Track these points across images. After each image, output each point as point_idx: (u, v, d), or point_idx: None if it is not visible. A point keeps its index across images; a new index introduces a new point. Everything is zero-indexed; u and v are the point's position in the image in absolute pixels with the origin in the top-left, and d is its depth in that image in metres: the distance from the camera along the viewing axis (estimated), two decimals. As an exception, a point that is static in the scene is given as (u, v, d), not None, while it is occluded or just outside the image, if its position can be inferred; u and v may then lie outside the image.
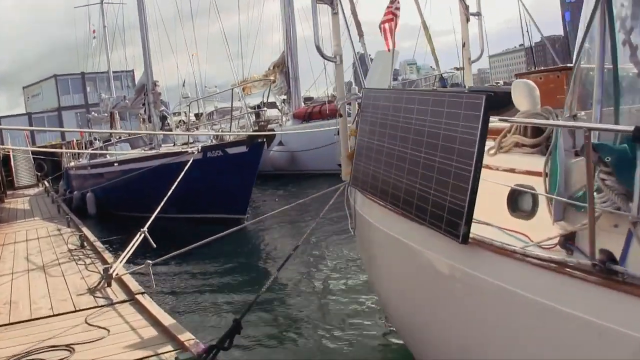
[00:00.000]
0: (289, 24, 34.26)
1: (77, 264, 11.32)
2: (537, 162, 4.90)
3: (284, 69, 33.71)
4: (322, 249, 13.39)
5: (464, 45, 10.68)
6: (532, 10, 27.32)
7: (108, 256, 11.54)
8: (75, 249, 12.76)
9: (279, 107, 35.96)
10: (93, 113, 37.52)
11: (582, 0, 4.27)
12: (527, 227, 4.97)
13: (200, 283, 11.94)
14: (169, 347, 6.27)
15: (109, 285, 9.23)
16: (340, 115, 7.69)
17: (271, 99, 34.39)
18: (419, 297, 5.32)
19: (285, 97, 34.81)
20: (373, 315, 8.96)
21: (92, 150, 25.22)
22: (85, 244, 13.10)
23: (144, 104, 25.00)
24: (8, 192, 31.06)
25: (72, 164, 28.05)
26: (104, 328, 7.12)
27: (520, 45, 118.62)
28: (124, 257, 9.99)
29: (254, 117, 18.28)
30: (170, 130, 26.98)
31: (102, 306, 8.27)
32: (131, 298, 8.51)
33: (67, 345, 6.57)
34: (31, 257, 12.49)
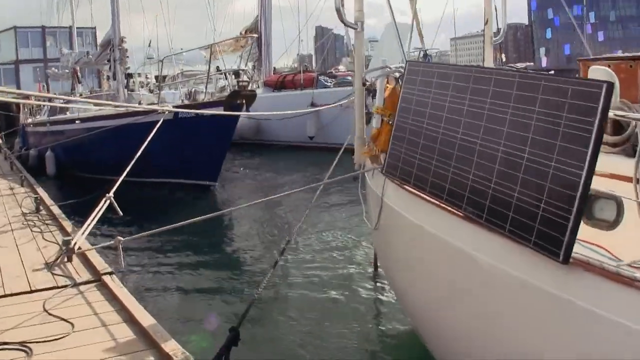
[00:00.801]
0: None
1: (31, 231, 9.70)
2: (620, 164, 4.51)
3: (257, 34, 32.05)
4: (315, 237, 11.92)
5: (486, 23, 9.37)
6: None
7: (67, 224, 9.91)
8: (30, 213, 11.13)
9: (249, 74, 34.30)
10: (53, 69, 35.39)
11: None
12: (607, 239, 4.12)
13: (176, 262, 10.45)
14: (151, 358, 4.81)
15: (70, 260, 7.70)
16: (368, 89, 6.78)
17: (242, 64, 32.88)
18: (482, 320, 4.14)
19: (255, 63, 33.18)
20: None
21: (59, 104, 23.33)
22: (41, 207, 11.43)
23: (109, 60, 23.15)
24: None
25: (30, 120, 26.10)
26: (66, 321, 5.61)
27: (482, 31, 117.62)
28: (87, 227, 8.45)
29: (232, 77, 16.84)
30: (133, 90, 25.40)
31: (62, 287, 6.75)
32: (97, 279, 7.00)
33: (21, 343, 5.07)
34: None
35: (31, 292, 6.67)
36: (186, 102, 17.00)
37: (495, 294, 3.89)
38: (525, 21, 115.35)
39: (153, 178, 15.74)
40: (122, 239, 7.27)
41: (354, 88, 7.41)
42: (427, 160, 4.65)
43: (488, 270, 3.85)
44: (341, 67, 43.03)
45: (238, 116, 15.45)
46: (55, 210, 11.12)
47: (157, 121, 14.61)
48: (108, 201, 9.23)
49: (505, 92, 3.88)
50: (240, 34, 33.57)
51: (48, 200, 12.07)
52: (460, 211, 4.15)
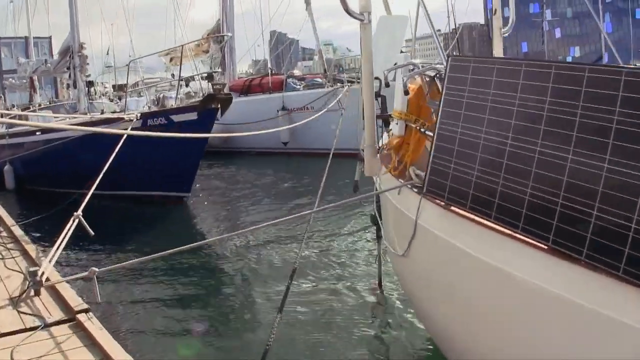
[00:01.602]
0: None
1: (-8, 259, 8.47)
2: None
3: (219, 39, 30.78)
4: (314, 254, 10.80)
5: (494, 13, 8.54)
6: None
7: (32, 248, 8.60)
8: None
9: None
10: (10, 79, 33.77)
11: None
12: None
13: (158, 290, 9.21)
14: None
15: (38, 294, 6.51)
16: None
17: (202, 71, 31.62)
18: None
19: (219, 69, 31.94)
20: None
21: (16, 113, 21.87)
22: (1, 228, 10.17)
23: (68, 68, 21.79)
24: None
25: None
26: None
27: (438, 31, 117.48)
28: (55, 253, 7.24)
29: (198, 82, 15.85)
30: (93, 99, 24.10)
31: (31, 329, 5.60)
32: (71, 317, 5.86)
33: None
34: None
35: (-6, 337, 5.52)
36: (154, 108, 15.76)
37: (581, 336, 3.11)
38: (480, 20, 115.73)
39: (122, 191, 14.53)
40: (96, 270, 6.06)
41: (362, 89, 6.48)
42: (491, 179, 3.73)
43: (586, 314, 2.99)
44: (296, 72, 41.97)
45: (212, 121, 14.28)
46: (17, 231, 9.80)
47: (124, 130, 13.53)
48: (76, 220, 8.02)
49: (608, 94, 2.98)
50: (202, 37, 32.32)
51: (8, 219, 10.72)
52: (544, 243, 3.28)
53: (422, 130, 5.19)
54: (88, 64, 22.35)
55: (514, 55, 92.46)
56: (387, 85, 6.28)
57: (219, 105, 14.03)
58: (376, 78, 8.40)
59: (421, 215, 4.62)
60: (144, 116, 14.30)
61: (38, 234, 10.44)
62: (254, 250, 10.52)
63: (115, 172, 11.48)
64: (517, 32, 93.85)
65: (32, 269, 6.63)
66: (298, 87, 25.46)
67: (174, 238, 12.09)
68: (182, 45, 18.91)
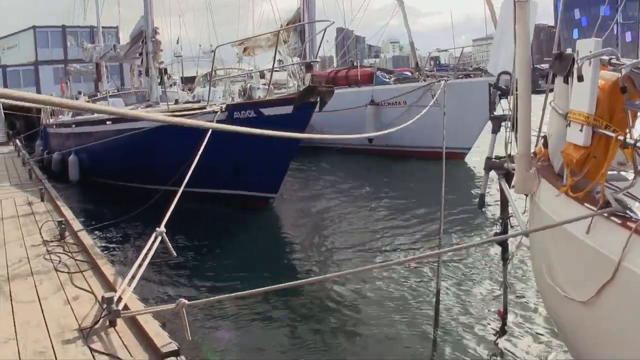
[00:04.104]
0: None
1: (56, 270, 7.46)
2: None
3: (299, 28, 29.74)
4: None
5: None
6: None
7: (104, 262, 7.60)
8: (53, 242, 8.92)
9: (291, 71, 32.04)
10: (75, 65, 33.57)
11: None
12: None
13: (254, 332, 7.60)
14: None
15: (113, 325, 5.45)
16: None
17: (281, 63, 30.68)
18: None
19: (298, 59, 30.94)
20: None
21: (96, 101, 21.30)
22: (66, 234, 9.20)
23: (140, 54, 21.07)
24: (-26, 149, 27.10)
25: (52, 120, 24.14)
26: None
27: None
28: (135, 275, 6.18)
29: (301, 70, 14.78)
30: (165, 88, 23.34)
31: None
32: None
33: None
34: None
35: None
36: (238, 100, 14.67)
37: None
38: (550, 22, 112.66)
39: (202, 188, 13.40)
40: (186, 302, 4.93)
41: (517, 83, 5.22)
42: None
43: None
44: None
45: (309, 117, 13.10)
46: (86, 239, 8.84)
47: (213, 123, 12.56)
48: (159, 238, 6.93)
49: None
50: (281, 26, 31.38)
51: (75, 224, 9.80)
52: None
53: (627, 140, 3.90)
54: (162, 50, 21.61)
55: None
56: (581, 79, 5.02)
57: (319, 99, 12.85)
58: (505, 73, 7.20)
59: (627, 254, 3.43)
60: (231, 108, 13.26)
61: (111, 244, 9.44)
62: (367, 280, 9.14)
63: (197, 168, 10.49)
64: (586, 36, 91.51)
65: (107, 294, 5.53)
66: (387, 80, 24.23)
67: (266, 253, 11.10)
68: (245, 39, 17.78)
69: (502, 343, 6.80)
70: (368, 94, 21.91)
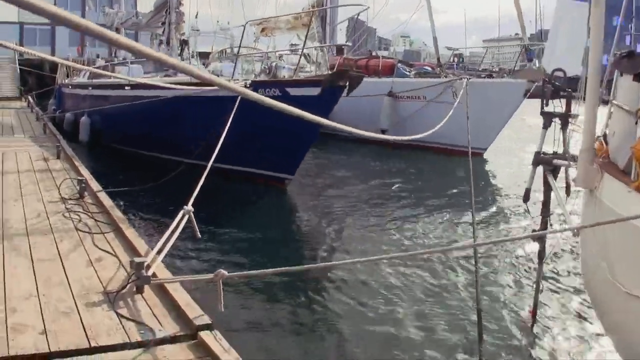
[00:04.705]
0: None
1: (76, 229, 7.26)
2: None
3: (322, 13, 29.37)
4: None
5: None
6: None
7: (127, 227, 7.35)
8: (71, 200, 8.71)
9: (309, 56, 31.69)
10: (96, 29, 33.23)
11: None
12: None
13: (286, 311, 7.41)
14: None
15: (140, 292, 5.23)
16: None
17: (298, 45, 30.26)
18: None
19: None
20: None
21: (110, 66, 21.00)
22: (85, 193, 8.99)
23: (163, 23, 20.79)
24: (-14, 101, 26.92)
25: (68, 80, 23.89)
26: None
27: (515, 34, 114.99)
28: (163, 247, 5.97)
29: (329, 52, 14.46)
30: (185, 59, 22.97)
31: (138, 345, 4.33)
32: (190, 334, 4.55)
33: None
34: (7, 207, 8.36)
35: (91, 350, 4.23)
36: (262, 78, 14.38)
37: None
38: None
39: (218, 164, 13.11)
40: (225, 273, 4.70)
41: (589, 76, 5.06)
42: None
43: None
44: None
45: (336, 101, 12.85)
46: (107, 201, 8.60)
47: (230, 97, 12.26)
48: (186, 216, 6.74)
49: None
50: (303, 9, 30.99)
51: (94, 184, 9.58)
52: None
53: None
54: (184, 21, 21.36)
55: None
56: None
57: (347, 84, 12.58)
58: (558, 70, 7.03)
59: None
60: (256, 84, 12.97)
61: (129, 210, 9.21)
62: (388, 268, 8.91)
63: (215, 142, 10.28)
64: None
65: (138, 259, 5.31)
66: (407, 73, 23.97)
67: (285, 235, 11.02)
68: (264, 20, 17.49)
69: (530, 343, 6.66)
70: (387, 85, 21.63)
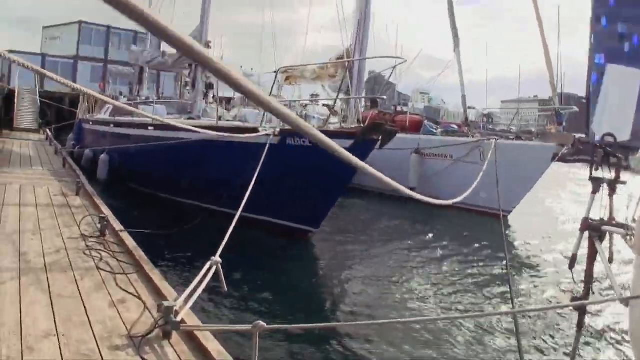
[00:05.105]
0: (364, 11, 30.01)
1: (98, 268, 7.05)
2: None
3: (349, 65, 29.42)
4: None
5: None
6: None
7: (150, 268, 7.13)
8: (92, 238, 8.54)
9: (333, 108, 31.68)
10: (117, 66, 33.59)
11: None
12: None
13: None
14: None
15: (168, 338, 5.01)
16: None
17: (323, 96, 30.30)
18: None
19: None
20: None
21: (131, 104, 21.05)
22: (107, 232, 8.82)
23: (190, 65, 20.87)
24: (5, 132, 27.03)
25: (89, 116, 23.99)
26: None
27: (534, 97, 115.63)
28: (191, 296, 5.76)
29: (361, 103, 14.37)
30: (210, 103, 22.95)
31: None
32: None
33: None
34: (25, 240, 8.20)
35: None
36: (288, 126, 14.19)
37: None
38: (580, 92, 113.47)
39: (233, 209, 12.83)
40: (264, 325, 4.49)
41: None
42: None
43: None
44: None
45: (367, 155, 12.63)
46: (129, 241, 8.42)
47: (260, 144, 12.19)
48: (214, 268, 6.57)
49: None
50: (330, 60, 31.05)
51: (116, 224, 9.40)
52: None
53: None
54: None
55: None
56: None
57: (381, 138, 12.39)
58: (609, 135, 6.89)
59: None
60: (285, 133, 12.83)
61: (150, 252, 9.00)
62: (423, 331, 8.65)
63: (241, 191, 10.12)
64: None
65: (167, 303, 5.11)
66: (434, 131, 23.95)
67: (313, 288, 10.84)
68: (289, 68, 17.45)
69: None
70: (414, 141, 21.54)
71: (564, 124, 19.99)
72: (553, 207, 24.35)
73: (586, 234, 6.32)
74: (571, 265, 6.89)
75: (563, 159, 20.97)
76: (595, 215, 6.10)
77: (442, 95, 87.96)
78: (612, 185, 6.41)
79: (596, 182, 6.46)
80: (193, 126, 13.66)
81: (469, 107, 32.14)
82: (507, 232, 18.09)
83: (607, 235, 6.21)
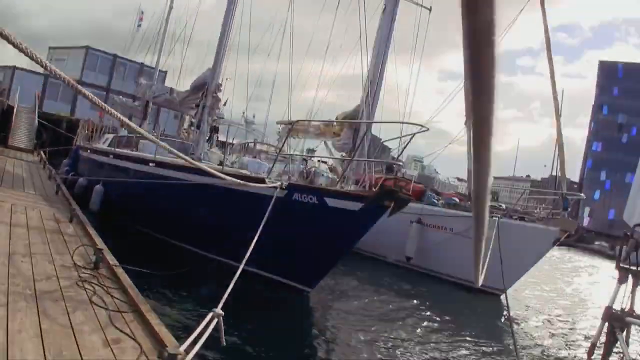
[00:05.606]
0: (376, 73, 30.14)
1: (92, 303, 6.77)
2: None
3: (355, 126, 29.41)
4: None
5: None
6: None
7: (147, 309, 6.81)
8: (85, 270, 8.27)
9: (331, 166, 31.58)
10: (121, 97, 33.56)
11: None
12: None
13: None
14: None
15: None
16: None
17: (323, 153, 30.08)
18: None
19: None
20: None
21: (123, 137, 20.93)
22: (101, 265, 8.56)
23: (197, 105, 20.71)
24: (-2, 148, 26.82)
25: (87, 143, 23.81)
26: None
27: (527, 176, 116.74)
28: (193, 343, 5.52)
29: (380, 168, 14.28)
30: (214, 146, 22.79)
31: None
32: None
33: None
34: (15, 261, 7.92)
35: None
36: (297, 180, 13.82)
37: None
38: (572, 177, 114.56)
39: (231, 260, 12.39)
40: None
41: None
42: None
43: None
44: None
45: (375, 221, 12.43)
46: (124, 278, 8.13)
47: (265, 196, 11.97)
48: (215, 320, 6.36)
49: None
50: (336, 118, 31.05)
51: (110, 257, 9.12)
52: None
53: None
54: (220, 109, 21.36)
55: (599, 220, 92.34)
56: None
57: (392, 204, 12.17)
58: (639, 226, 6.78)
59: None
60: (292, 188, 12.64)
61: (146, 293, 8.69)
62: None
63: (241, 242, 9.91)
64: (606, 199, 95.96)
65: (171, 350, 4.87)
66: (435, 202, 23.82)
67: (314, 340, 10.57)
68: (293, 122, 17.26)
69: None
70: (417, 211, 21.37)
71: (569, 209, 19.96)
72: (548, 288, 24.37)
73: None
74: (590, 354, 6.71)
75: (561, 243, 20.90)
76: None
77: (437, 163, 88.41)
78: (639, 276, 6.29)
79: (623, 272, 6.31)
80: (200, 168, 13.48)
81: (461, 180, 32.09)
82: (498, 308, 17.91)
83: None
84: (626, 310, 6.16)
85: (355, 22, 17.47)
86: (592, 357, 6.75)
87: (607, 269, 40.35)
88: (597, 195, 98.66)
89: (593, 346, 6.71)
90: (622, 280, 6.33)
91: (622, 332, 6.07)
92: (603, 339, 6.45)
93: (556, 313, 18.65)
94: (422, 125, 12.51)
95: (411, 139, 13.07)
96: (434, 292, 18.52)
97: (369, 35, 19.89)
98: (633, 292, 6.18)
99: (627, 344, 6.28)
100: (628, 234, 6.59)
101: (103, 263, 8.62)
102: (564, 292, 24.96)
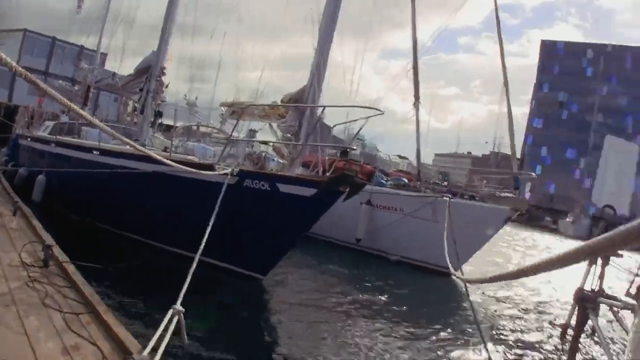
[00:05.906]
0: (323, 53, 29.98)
1: (45, 305, 6.53)
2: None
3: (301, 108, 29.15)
4: None
5: None
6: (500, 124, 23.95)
7: (105, 310, 6.60)
8: (34, 267, 8.00)
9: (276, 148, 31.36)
10: (61, 82, 32.62)
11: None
12: None
13: None
14: None
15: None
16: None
17: (268, 137, 29.74)
18: None
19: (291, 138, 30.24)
20: None
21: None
22: (50, 262, 8.29)
23: (141, 90, 20.19)
24: None
25: (27, 132, 23.08)
26: None
27: (468, 153, 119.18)
28: (157, 345, 5.38)
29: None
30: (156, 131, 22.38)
31: None
32: None
33: None
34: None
35: None
36: (246, 166, 13.51)
37: None
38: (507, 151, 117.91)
39: (189, 252, 11.91)
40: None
41: None
42: None
43: None
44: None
45: (329, 207, 12.32)
46: (77, 276, 7.88)
47: (215, 183, 11.77)
48: (176, 317, 6.20)
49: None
50: (282, 101, 30.73)
51: (60, 254, 8.82)
52: None
53: None
54: (163, 92, 20.92)
55: (540, 194, 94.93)
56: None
57: (346, 190, 12.03)
58: (608, 206, 6.92)
59: None
60: (243, 174, 12.43)
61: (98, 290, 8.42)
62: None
63: (190, 231, 9.72)
64: (546, 174, 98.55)
65: (138, 357, 4.71)
66: (384, 182, 23.80)
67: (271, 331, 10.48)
68: (243, 107, 17.02)
69: None
70: (366, 192, 21.26)
71: (519, 188, 20.27)
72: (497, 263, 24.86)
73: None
74: (563, 336, 6.80)
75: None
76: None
77: (374, 142, 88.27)
78: (607, 257, 6.41)
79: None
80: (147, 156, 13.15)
81: (403, 157, 32.36)
82: (454, 288, 18.08)
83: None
84: (596, 290, 6.26)
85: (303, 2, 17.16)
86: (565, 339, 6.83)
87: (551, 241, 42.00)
88: (538, 170, 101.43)
89: (565, 327, 6.82)
90: (592, 262, 6.43)
91: (595, 313, 6.16)
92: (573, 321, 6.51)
93: (514, 289, 18.85)
94: (377, 109, 12.45)
95: (365, 122, 12.94)
96: (384, 274, 18.53)
97: (316, 15, 19.73)
98: (602, 273, 6.28)
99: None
100: (596, 216, 6.72)
101: (52, 260, 8.36)
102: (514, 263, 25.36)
